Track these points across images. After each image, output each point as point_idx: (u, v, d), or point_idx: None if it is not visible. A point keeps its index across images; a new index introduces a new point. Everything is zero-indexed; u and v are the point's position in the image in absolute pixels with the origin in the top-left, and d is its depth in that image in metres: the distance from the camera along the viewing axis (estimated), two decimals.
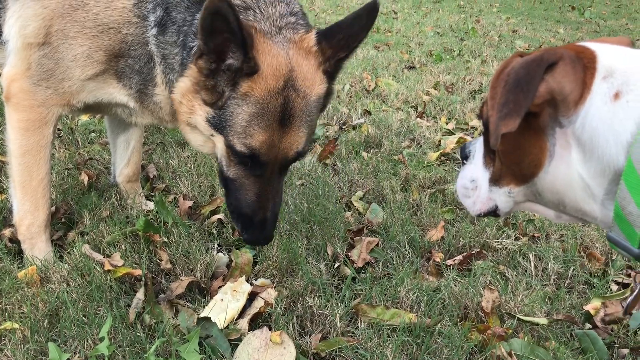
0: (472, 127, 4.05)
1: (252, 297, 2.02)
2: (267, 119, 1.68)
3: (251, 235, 1.87)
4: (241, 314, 1.95)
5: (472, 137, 3.74)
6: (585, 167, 1.18)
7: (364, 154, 3.36)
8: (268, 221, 1.85)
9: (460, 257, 2.34)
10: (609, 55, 1.18)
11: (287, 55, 1.69)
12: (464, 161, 1.52)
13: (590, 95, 1.15)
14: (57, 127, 3.22)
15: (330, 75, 1.80)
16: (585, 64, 1.17)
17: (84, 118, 3.54)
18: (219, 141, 1.78)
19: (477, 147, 1.46)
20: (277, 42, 1.69)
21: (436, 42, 7.08)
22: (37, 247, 2.13)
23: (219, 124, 1.72)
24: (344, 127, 3.81)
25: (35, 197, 2.08)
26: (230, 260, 2.24)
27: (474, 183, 1.44)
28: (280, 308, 1.95)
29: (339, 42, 1.75)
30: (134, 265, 2.14)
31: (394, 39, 7.18)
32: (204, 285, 2.10)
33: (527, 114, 1.15)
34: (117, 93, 1.98)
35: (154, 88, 1.95)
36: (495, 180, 1.37)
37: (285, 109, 1.68)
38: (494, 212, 1.43)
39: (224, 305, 1.93)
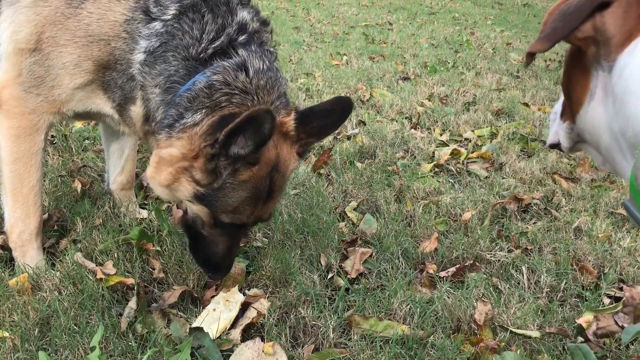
0: (465, 139, 4.07)
1: (244, 307, 2.01)
2: (257, 198, 1.80)
3: (217, 274, 2.01)
4: (234, 324, 1.94)
5: (466, 149, 3.75)
6: (615, 120, 1.17)
7: (358, 164, 3.37)
8: (231, 262, 2.02)
9: (453, 269, 2.35)
10: None
11: (274, 141, 1.78)
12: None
13: (634, 46, 1.13)
14: (51, 133, 3.22)
15: (300, 155, 1.93)
16: (638, 11, 1.14)
17: (78, 125, 3.53)
18: (200, 210, 1.85)
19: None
20: None
21: (431, 54, 7.12)
22: (29, 254, 2.12)
23: (207, 200, 1.78)
24: (338, 137, 3.82)
25: (26, 205, 2.07)
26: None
27: (555, 115, 1.49)
28: (273, 319, 1.94)
29: (311, 130, 1.88)
30: (126, 274, 2.13)
31: (388, 50, 7.22)
32: (196, 295, 2.09)
33: (578, 51, 1.20)
34: (103, 104, 2.00)
35: (131, 105, 1.97)
36: (561, 115, 1.42)
37: (270, 188, 1.82)
38: (558, 146, 1.49)
39: (217, 315, 1.93)
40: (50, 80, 1.92)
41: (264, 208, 1.86)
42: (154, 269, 2.17)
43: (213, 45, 1.79)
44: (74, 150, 3.23)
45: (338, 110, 1.90)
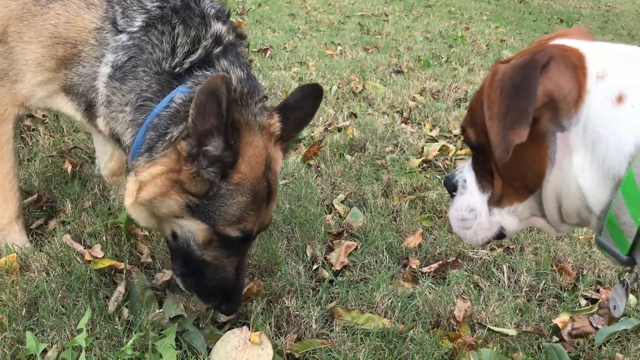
0: (455, 136, 4.11)
1: None
2: (258, 202, 1.75)
3: (230, 305, 1.87)
4: None
5: (455, 145, 3.79)
6: (585, 174, 1.16)
7: (348, 157, 3.40)
8: (241, 287, 1.90)
9: (436, 265, 2.40)
10: (594, 53, 1.18)
11: (263, 142, 1.78)
12: (453, 193, 1.47)
13: (588, 95, 1.14)
14: (43, 114, 3.21)
15: (284, 152, 1.93)
16: (574, 63, 1.16)
17: None
18: (197, 228, 1.74)
19: (466, 175, 1.43)
20: (255, 131, 1.76)
21: (425, 48, 7.14)
22: (10, 237, 2.14)
23: (203, 213, 1.70)
24: (329, 128, 3.85)
25: (3, 191, 2.10)
26: None
27: (474, 212, 1.39)
28: (259, 307, 1.98)
29: (292, 124, 1.89)
30: (114, 257, 2.16)
31: (383, 41, 7.23)
32: None
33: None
34: (64, 105, 2.00)
35: (96, 117, 1.95)
36: (496, 202, 1.34)
37: (269, 188, 1.78)
38: (500, 235, 1.41)
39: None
40: (13, 74, 1.93)
41: (266, 212, 1.81)
42: (142, 254, 2.20)
43: (190, 60, 1.76)
44: (65, 130, 3.23)
45: (310, 99, 1.91)
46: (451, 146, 3.75)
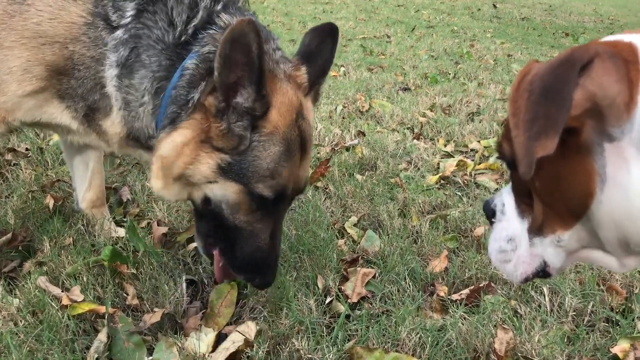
0: (472, 150, 3.83)
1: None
2: (291, 153, 1.64)
3: (263, 278, 1.77)
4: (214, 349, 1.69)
5: (473, 160, 3.51)
6: None
7: (358, 176, 3.12)
8: (277, 258, 1.80)
9: (467, 290, 2.09)
10: None
11: (292, 89, 1.69)
12: (492, 220, 1.24)
13: None
14: (25, 146, 2.97)
15: (315, 102, 1.85)
16: (626, 58, 0.92)
17: (56, 138, 3.28)
18: (230, 189, 1.63)
19: (505, 197, 1.20)
20: (281, 79, 1.68)
21: (431, 65, 6.91)
22: None
23: (236, 171, 1.60)
24: (336, 148, 3.58)
25: None
26: (205, 306, 1.95)
27: (513, 242, 1.16)
28: (263, 351, 1.68)
29: (317, 71, 1.79)
30: (96, 299, 1.87)
31: (387, 61, 7.01)
32: (179, 321, 1.84)
33: (564, 132, 0.89)
34: (58, 114, 1.75)
35: (103, 119, 1.75)
36: (537, 230, 1.10)
37: (302, 138, 1.67)
38: (543, 272, 1.15)
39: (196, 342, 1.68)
40: None
41: (301, 167, 1.69)
42: (127, 294, 1.91)
43: (193, 24, 1.65)
44: (49, 164, 2.98)
45: (328, 39, 1.81)
46: (469, 161, 3.46)
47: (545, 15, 15.62)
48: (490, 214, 1.24)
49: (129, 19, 1.64)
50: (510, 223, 1.17)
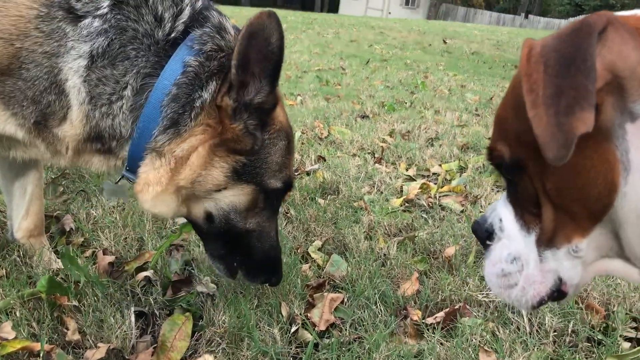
0: (433, 174, 3.75)
1: None
2: (292, 143, 1.69)
3: (278, 273, 1.80)
4: None
5: (436, 184, 3.42)
6: None
7: (321, 200, 2.97)
8: (280, 251, 1.83)
9: (442, 313, 1.95)
10: None
11: None
12: (487, 242, 1.08)
13: None
14: None
15: None
16: (637, 26, 0.82)
17: None
18: (241, 193, 1.60)
19: (501, 211, 1.05)
20: None
21: (387, 95, 6.91)
22: None
23: (250, 173, 1.58)
24: (296, 173, 3.43)
25: None
26: (156, 340, 1.74)
27: (518, 262, 1.01)
28: None
29: None
30: (31, 336, 1.65)
31: (344, 91, 6.98)
32: (127, 358, 1.63)
33: None
34: (1, 123, 1.53)
35: (59, 124, 1.55)
36: (548, 241, 0.95)
37: (290, 127, 1.71)
38: (558, 291, 0.99)
39: None
40: None
41: (294, 155, 1.73)
42: (68, 329, 1.69)
43: (182, 21, 1.56)
44: None
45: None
46: (432, 184, 3.37)
47: (494, 49, 16.09)
48: (484, 236, 1.08)
49: (106, 9, 1.49)
50: (512, 239, 1.02)
